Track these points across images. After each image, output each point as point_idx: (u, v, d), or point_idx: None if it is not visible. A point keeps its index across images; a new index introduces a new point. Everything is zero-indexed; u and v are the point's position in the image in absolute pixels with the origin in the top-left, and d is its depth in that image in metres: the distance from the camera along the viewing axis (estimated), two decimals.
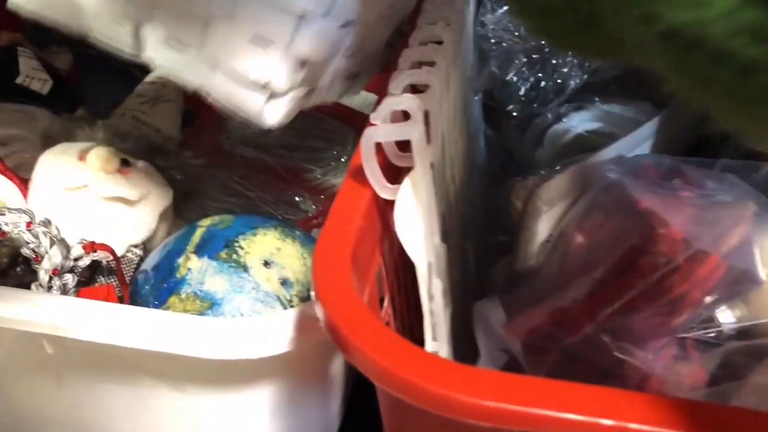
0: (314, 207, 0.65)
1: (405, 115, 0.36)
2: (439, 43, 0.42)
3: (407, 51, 0.40)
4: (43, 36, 0.73)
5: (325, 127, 0.68)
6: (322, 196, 0.66)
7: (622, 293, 0.36)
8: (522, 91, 0.63)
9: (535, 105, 0.64)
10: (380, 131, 0.34)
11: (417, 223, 0.35)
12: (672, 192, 0.42)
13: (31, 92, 0.65)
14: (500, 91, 0.64)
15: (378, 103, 0.44)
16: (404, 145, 0.36)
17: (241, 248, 0.48)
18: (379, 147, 0.36)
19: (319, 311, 0.31)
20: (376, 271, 0.37)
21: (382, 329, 0.31)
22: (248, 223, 0.50)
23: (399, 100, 0.34)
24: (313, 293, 0.33)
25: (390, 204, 0.36)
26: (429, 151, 0.36)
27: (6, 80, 0.64)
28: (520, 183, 0.53)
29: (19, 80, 0.64)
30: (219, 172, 0.65)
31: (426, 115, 0.36)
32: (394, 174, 0.37)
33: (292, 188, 0.66)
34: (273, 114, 0.44)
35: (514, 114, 0.66)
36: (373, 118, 0.35)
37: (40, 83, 0.65)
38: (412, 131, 0.34)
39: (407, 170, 0.36)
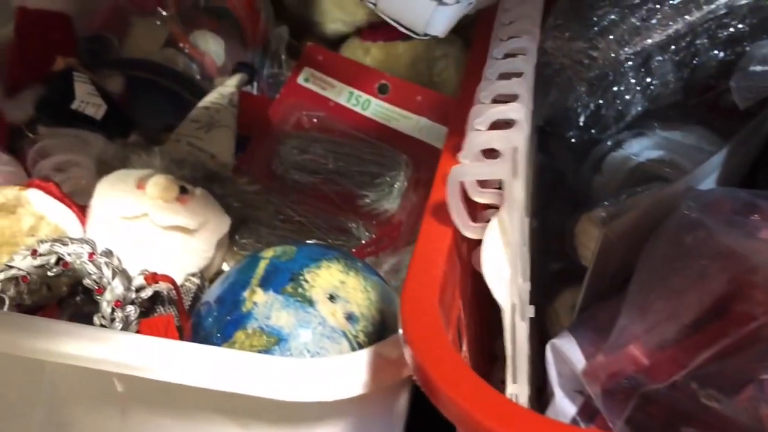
0: (367, 234, 0.64)
1: (491, 151, 0.35)
2: (519, 75, 0.41)
3: (489, 84, 0.39)
4: (95, 59, 0.73)
5: (378, 152, 0.68)
6: (374, 222, 0.66)
7: (714, 341, 0.35)
8: (582, 118, 0.62)
9: (594, 131, 0.63)
10: (470, 170, 0.34)
11: (504, 265, 0.34)
12: (754, 229, 0.40)
13: (86, 117, 0.65)
14: (558, 117, 0.63)
15: (452, 134, 0.44)
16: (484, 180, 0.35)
17: (306, 282, 0.48)
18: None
19: (408, 356, 0.31)
20: (457, 314, 0.36)
21: (473, 378, 0.30)
22: (311, 255, 0.50)
23: (489, 138, 0.33)
24: (400, 333, 0.33)
25: (470, 242, 0.36)
26: (516, 188, 0.35)
27: (62, 105, 0.64)
28: (587, 215, 0.52)
29: (74, 105, 0.64)
30: (272, 197, 0.65)
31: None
32: (470, 208, 0.36)
33: (344, 214, 0.65)
34: (439, 23, 0.42)
35: (572, 140, 0.64)
36: (462, 156, 0.34)
37: (95, 108, 0.65)
38: (503, 170, 0.33)
39: (486, 206, 0.36)
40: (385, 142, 0.69)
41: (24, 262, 0.49)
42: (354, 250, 0.60)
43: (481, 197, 0.35)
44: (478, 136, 0.34)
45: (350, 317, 0.47)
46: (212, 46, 0.74)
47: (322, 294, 0.47)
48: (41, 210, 0.54)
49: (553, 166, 0.71)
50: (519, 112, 0.36)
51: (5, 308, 0.48)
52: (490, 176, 0.34)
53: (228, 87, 0.67)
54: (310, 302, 0.47)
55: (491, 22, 0.58)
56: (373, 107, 0.71)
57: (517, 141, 0.34)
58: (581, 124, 0.64)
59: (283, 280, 0.48)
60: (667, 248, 0.42)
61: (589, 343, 0.42)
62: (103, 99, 0.67)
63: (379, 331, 0.48)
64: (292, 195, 0.66)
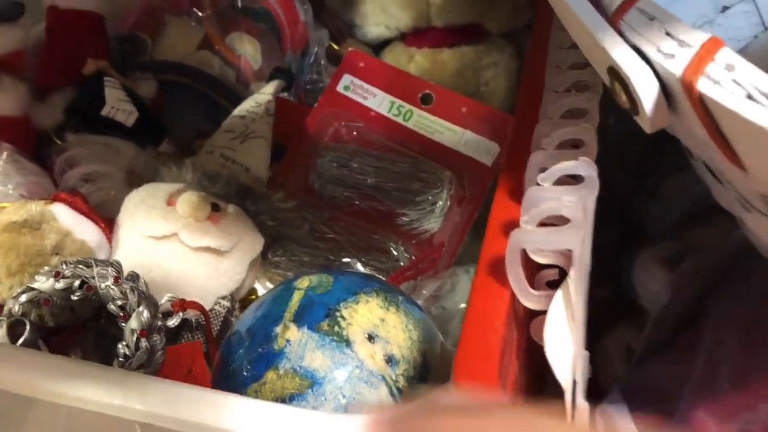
0: (407, 255, 0.61)
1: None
2: (586, 88, 0.37)
3: (554, 131, 0.35)
4: (127, 61, 0.70)
5: (420, 168, 0.64)
6: (414, 242, 0.62)
7: None
8: None
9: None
10: (535, 238, 0.30)
11: (567, 340, 0.31)
12: None
13: (116, 124, 0.62)
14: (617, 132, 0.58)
15: (510, 165, 0.40)
16: None
17: (343, 318, 0.44)
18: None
19: None
20: (513, 378, 0.33)
21: None
22: (349, 287, 0.46)
23: (559, 203, 0.29)
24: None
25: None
26: (585, 254, 0.31)
27: (91, 111, 0.61)
28: (649, 253, 0.48)
29: (104, 111, 0.61)
30: (307, 214, 0.61)
31: None
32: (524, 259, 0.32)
33: (382, 233, 0.62)
34: None
35: (626, 158, 0.60)
36: (524, 221, 0.30)
37: (125, 115, 0.62)
38: (573, 240, 0.29)
39: (546, 267, 0.32)
40: (427, 156, 0.66)
41: (46, 285, 0.46)
42: (393, 274, 0.57)
43: (544, 259, 0.32)
44: (544, 199, 0.31)
45: (390, 360, 0.44)
46: (249, 49, 0.70)
47: (361, 333, 0.44)
48: (67, 226, 0.51)
49: (602, 182, 0.67)
50: (589, 167, 0.32)
51: (26, 332, 0.46)
52: (558, 246, 0.30)
53: (264, 95, 0.64)
54: (347, 342, 0.43)
55: (548, 26, 0.53)
56: (415, 118, 0.67)
57: (588, 203, 0.31)
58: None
59: (319, 315, 0.44)
60: (749, 299, 0.37)
61: (645, 410, 0.38)
62: (135, 104, 0.64)
63: (421, 374, 0.44)
64: (328, 211, 0.63)
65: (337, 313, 0.44)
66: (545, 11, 0.60)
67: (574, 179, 0.33)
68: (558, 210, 0.30)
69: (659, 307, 0.44)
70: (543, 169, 0.33)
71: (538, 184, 0.33)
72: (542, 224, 0.32)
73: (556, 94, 0.38)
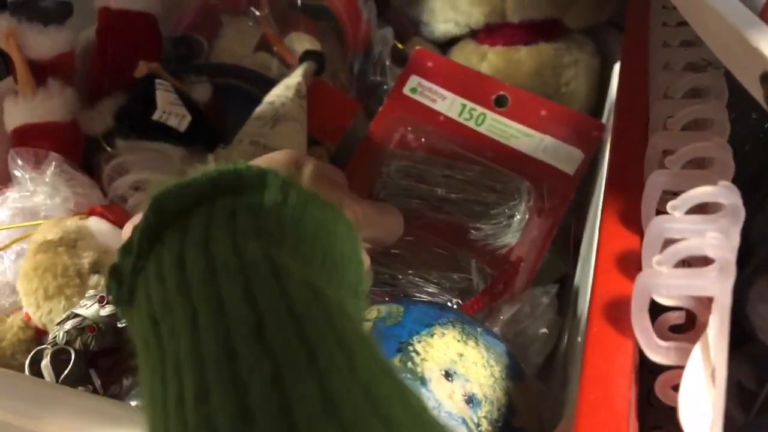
0: (481, 272, 0.55)
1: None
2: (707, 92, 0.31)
3: (678, 147, 0.29)
4: (182, 63, 0.67)
5: (495, 177, 0.58)
6: (489, 258, 0.57)
7: None
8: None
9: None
10: (670, 283, 0.24)
11: (706, 405, 0.25)
12: None
13: (168, 129, 0.58)
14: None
15: (613, 183, 0.34)
16: None
17: (417, 353, 0.39)
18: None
19: None
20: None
21: None
22: (422, 318, 0.41)
23: (703, 242, 0.23)
24: None
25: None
26: (727, 299, 0.25)
27: (142, 116, 0.58)
28: (766, 279, 0.42)
29: (155, 116, 0.57)
30: None
31: None
32: None
33: (454, 248, 0.57)
34: None
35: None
36: (657, 261, 0.25)
37: (178, 119, 0.58)
38: (717, 287, 0.23)
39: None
40: (502, 163, 0.60)
41: (90, 311, 0.43)
42: (468, 301, 0.51)
43: (673, 301, 0.26)
44: (678, 232, 0.25)
45: (471, 400, 0.38)
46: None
47: (437, 370, 0.39)
48: (104, 241, 0.47)
49: None
50: (733, 194, 0.26)
51: (71, 364, 0.42)
52: (699, 293, 0.24)
53: (294, 77, 0.59)
54: (423, 380, 0.38)
55: (644, 20, 0.47)
56: (489, 122, 0.61)
57: (734, 238, 0.25)
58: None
59: (390, 350, 0.39)
60: None
61: None
62: (188, 108, 0.60)
63: (506, 417, 0.39)
64: None
65: (410, 348, 0.39)
66: (637, 4, 0.54)
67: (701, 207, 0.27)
68: (701, 249, 0.24)
69: None
70: (665, 194, 0.28)
71: (662, 212, 0.27)
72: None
73: (671, 101, 0.32)
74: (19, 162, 0.50)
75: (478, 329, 0.42)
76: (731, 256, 0.24)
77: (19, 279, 0.46)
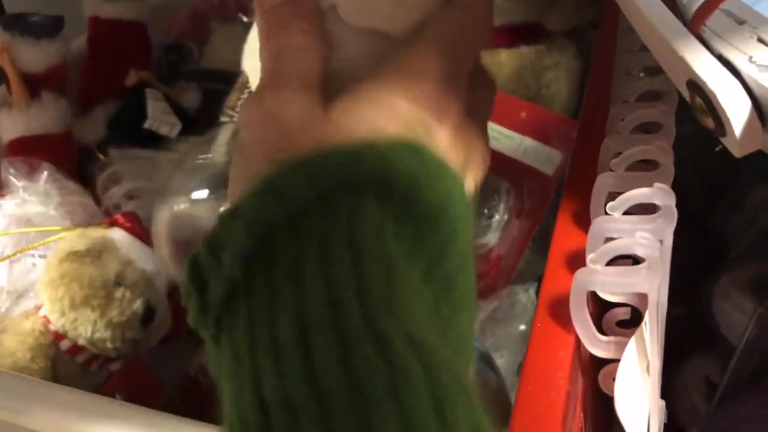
0: None
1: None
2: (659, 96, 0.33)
3: (625, 149, 0.31)
4: (172, 69, 0.68)
5: None
6: None
7: None
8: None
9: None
10: (604, 280, 0.26)
11: (642, 395, 0.26)
12: None
13: (159, 137, 0.60)
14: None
15: (573, 180, 0.36)
16: None
17: None
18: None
19: None
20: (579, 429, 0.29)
21: None
22: None
23: (632, 241, 0.25)
24: None
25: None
26: (661, 295, 0.27)
27: (133, 124, 0.60)
28: (731, 279, 0.43)
29: (147, 125, 0.59)
30: None
31: None
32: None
33: None
34: None
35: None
36: (592, 259, 0.26)
37: (169, 127, 0.60)
38: (649, 283, 0.25)
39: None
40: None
41: None
42: None
43: (615, 297, 0.27)
44: (613, 232, 0.27)
45: None
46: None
47: None
48: (127, 254, 0.49)
49: (676, 191, 0.61)
50: (667, 195, 0.28)
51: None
52: (630, 288, 0.26)
53: None
54: None
55: (615, 25, 0.49)
56: None
57: (666, 237, 0.26)
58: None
59: None
60: None
61: None
62: (178, 115, 0.62)
63: None
64: None
65: None
66: (612, 8, 0.55)
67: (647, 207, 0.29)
68: (631, 248, 0.26)
69: (745, 340, 0.39)
70: (612, 195, 0.29)
71: (606, 213, 0.29)
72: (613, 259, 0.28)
73: (626, 105, 0.34)
74: (12, 171, 0.52)
75: None
76: (660, 254, 0.26)
77: (42, 285, 0.47)
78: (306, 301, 0.19)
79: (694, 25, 0.25)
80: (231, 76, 0.67)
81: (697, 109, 0.24)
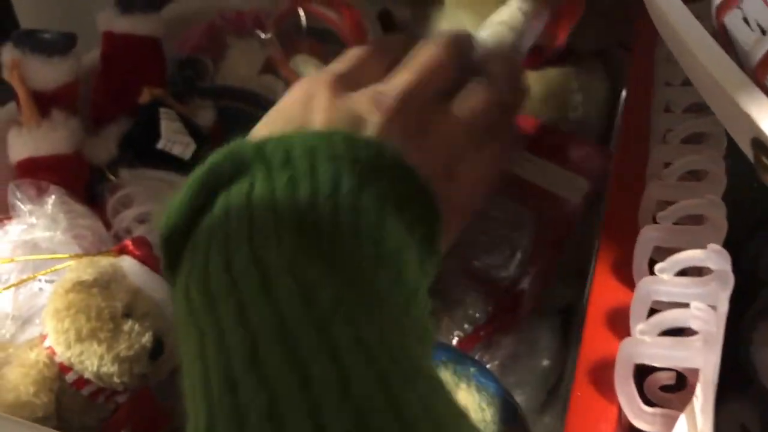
0: (482, 306, 0.54)
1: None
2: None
3: (671, 201, 0.29)
4: (187, 85, 0.67)
5: (498, 206, 0.57)
6: (488, 288, 0.56)
7: None
8: None
9: None
10: (653, 353, 0.23)
11: None
12: None
13: (172, 158, 0.58)
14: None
15: (605, 258, 0.33)
16: None
17: None
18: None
19: None
20: None
21: None
22: None
23: (686, 313, 0.23)
24: None
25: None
26: (714, 366, 0.25)
27: (146, 144, 0.58)
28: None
29: (160, 145, 0.57)
30: None
31: None
32: None
33: (454, 279, 0.56)
34: None
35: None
36: (641, 330, 0.24)
37: (182, 147, 0.58)
38: (705, 359, 0.22)
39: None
40: (504, 191, 0.59)
41: None
42: (466, 337, 0.51)
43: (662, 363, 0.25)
44: (662, 295, 0.24)
45: None
46: (314, 73, 0.65)
47: None
48: (137, 283, 0.47)
49: None
50: (721, 258, 0.25)
51: None
52: (683, 365, 0.24)
53: None
54: None
55: (650, 50, 0.46)
56: None
57: (721, 306, 0.24)
58: None
59: None
60: None
61: None
62: (193, 135, 0.60)
63: None
64: None
65: None
66: (646, 32, 0.53)
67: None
68: (685, 321, 0.23)
69: None
70: (659, 251, 0.27)
71: (650, 270, 0.27)
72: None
73: (669, 147, 0.31)
74: (18, 194, 0.50)
75: (471, 369, 0.42)
76: (716, 328, 0.24)
77: (47, 315, 0.45)
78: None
79: (760, 75, 0.22)
80: (246, 93, 0.65)
81: (761, 167, 0.22)
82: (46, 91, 0.56)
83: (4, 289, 0.47)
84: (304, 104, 0.33)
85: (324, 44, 0.67)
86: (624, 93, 0.61)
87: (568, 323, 0.55)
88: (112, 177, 0.57)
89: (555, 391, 0.53)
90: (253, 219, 0.26)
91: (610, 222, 0.33)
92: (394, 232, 0.26)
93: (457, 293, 0.56)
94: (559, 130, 0.60)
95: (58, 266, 0.48)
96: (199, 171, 0.30)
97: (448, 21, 0.67)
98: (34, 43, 0.55)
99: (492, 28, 0.52)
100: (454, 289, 0.56)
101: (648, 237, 0.28)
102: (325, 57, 0.67)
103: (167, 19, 0.72)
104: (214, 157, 0.30)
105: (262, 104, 0.65)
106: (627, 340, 0.24)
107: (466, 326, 0.54)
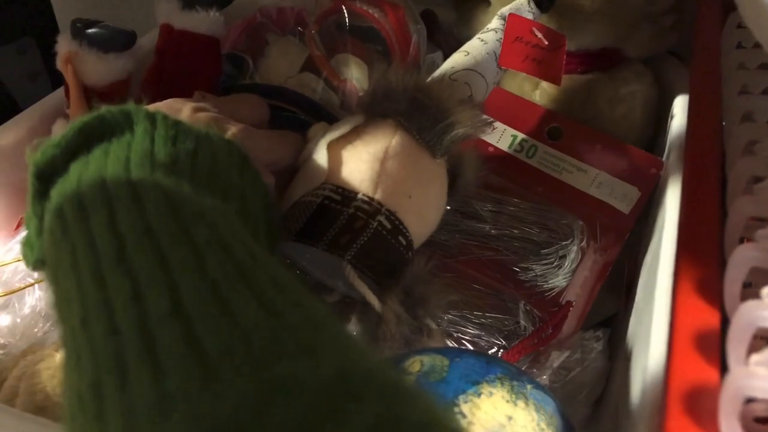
0: (531, 316, 0.53)
1: None
2: None
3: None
4: (227, 82, 0.65)
5: (546, 214, 0.56)
6: (537, 299, 0.54)
7: None
8: None
9: None
10: (765, 386, 0.21)
11: None
12: None
13: None
14: None
15: (686, 275, 0.31)
16: None
17: (463, 416, 0.37)
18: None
19: None
20: None
21: None
22: (468, 374, 0.39)
23: None
24: None
25: None
26: None
27: None
28: None
29: None
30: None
31: None
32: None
33: (502, 288, 0.54)
34: None
35: None
36: (757, 362, 0.22)
37: None
38: None
39: None
40: (554, 199, 0.57)
41: None
42: (514, 347, 0.49)
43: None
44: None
45: None
46: (355, 73, 0.64)
47: None
48: None
49: None
50: None
51: None
52: None
53: None
54: None
55: (713, 58, 0.44)
56: (540, 155, 0.59)
57: None
58: None
59: None
60: None
61: None
62: None
63: None
64: (436, 261, 0.55)
65: (456, 409, 0.37)
66: (708, 34, 0.51)
67: None
68: None
69: None
70: (758, 271, 0.25)
71: (744, 287, 0.25)
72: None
73: (756, 160, 0.29)
74: None
75: (528, 386, 0.40)
76: None
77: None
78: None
79: None
80: (286, 93, 0.64)
81: None
82: (97, 86, 0.54)
83: (27, 286, 0.45)
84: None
85: (366, 44, 0.66)
86: (677, 101, 0.59)
87: (613, 334, 0.54)
88: None
89: (599, 405, 0.51)
90: (129, 158, 0.30)
91: (686, 239, 0.31)
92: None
93: (504, 304, 0.54)
94: (608, 137, 0.58)
95: None
96: (84, 119, 0.33)
97: None
98: (93, 37, 0.53)
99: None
100: (501, 300, 0.54)
101: (744, 257, 0.26)
102: (367, 56, 0.65)
103: None
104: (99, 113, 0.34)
105: (301, 103, 0.63)
106: (736, 373, 0.22)
107: (512, 338, 0.52)
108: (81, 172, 0.30)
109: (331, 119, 0.63)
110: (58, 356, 0.45)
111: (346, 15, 0.64)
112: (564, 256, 0.54)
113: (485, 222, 0.56)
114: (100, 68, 0.54)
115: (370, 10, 0.64)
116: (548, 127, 0.59)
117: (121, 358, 0.21)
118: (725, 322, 0.27)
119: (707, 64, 0.42)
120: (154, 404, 0.20)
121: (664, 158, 0.57)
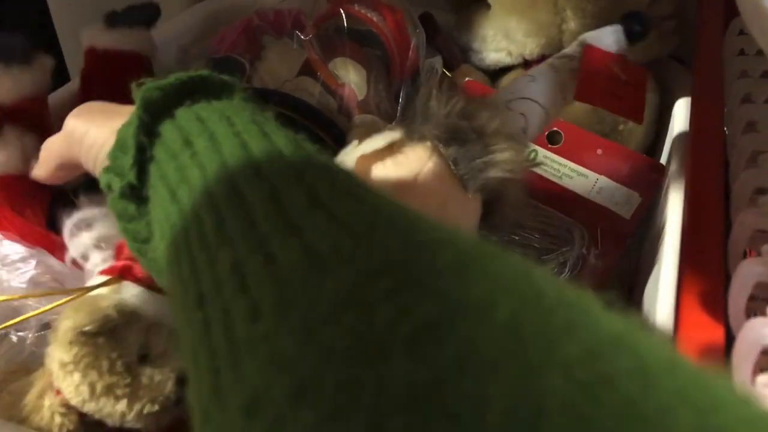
0: None
1: None
2: None
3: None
4: None
5: (546, 220, 0.55)
6: None
7: None
8: None
9: None
10: None
11: None
12: None
13: None
14: None
15: (690, 287, 0.31)
16: None
17: None
18: None
19: None
20: None
21: None
22: None
23: None
24: None
25: None
26: None
27: None
28: None
29: None
30: None
31: None
32: None
33: None
34: None
35: None
36: (763, 384, 0.22)
37: None
38: None
39: None
40: (554, 205, 0.57)
41: None
42: None
43: None
44: None
45: None
46: (353, 77, 0.63)
47: None
48: (147, 314, 0.41)
49: None
50: None
51: None
52: None
53: None
54: None
55: (714, 59, 0.44)
56: (540, 160, 0.58)
57: None
58: None
59: None
60: None
61: None
62: None
63: None
64: None
65: None
66: (710, 40, 0.50)
67: None
68: None
69: None
70: (762, 286, 0.25)
71: (753, 305, 0.24)
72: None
73: (760, 172, 0.29)
74: None
75: None
76: None
77: (52, 363, 0.39)
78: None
79: None
80: (285, 97, 0.63)
81: None
82: (3, 104, 0.48)
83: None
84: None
85: (364, 48, 0.65)
86: (678, 105, 0.59)
87: None
88: (73, 199, 0.47)
89: None
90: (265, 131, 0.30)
91: (690, 252, 0.31)
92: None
93: None
94: (609, 142, 0.57)
95: (29, 314, 0.42)
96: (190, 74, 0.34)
97: (495, 26, 0.65)
98: None
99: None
100: None
101: (749, 272, 0.25)
102: (366, 60, 0.65)
103: (202, 17, 0.71)
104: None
105: (298, 107, 0.63)
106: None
107: None
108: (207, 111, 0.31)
109: (328, 124, 0.63)
110: (45, 403, 0.41)
111: (344, 18, 0.64)
112: (564, 262, 0.54)
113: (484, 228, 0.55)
114: (3, 83, 0.49)
115: (369, 14, 0.64)
116: (548, 132, 0.59)
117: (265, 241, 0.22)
118: (729, 335, 0.27)
119: (709, 70, 0.42)
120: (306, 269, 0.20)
121: (664, 162, 0.57)
